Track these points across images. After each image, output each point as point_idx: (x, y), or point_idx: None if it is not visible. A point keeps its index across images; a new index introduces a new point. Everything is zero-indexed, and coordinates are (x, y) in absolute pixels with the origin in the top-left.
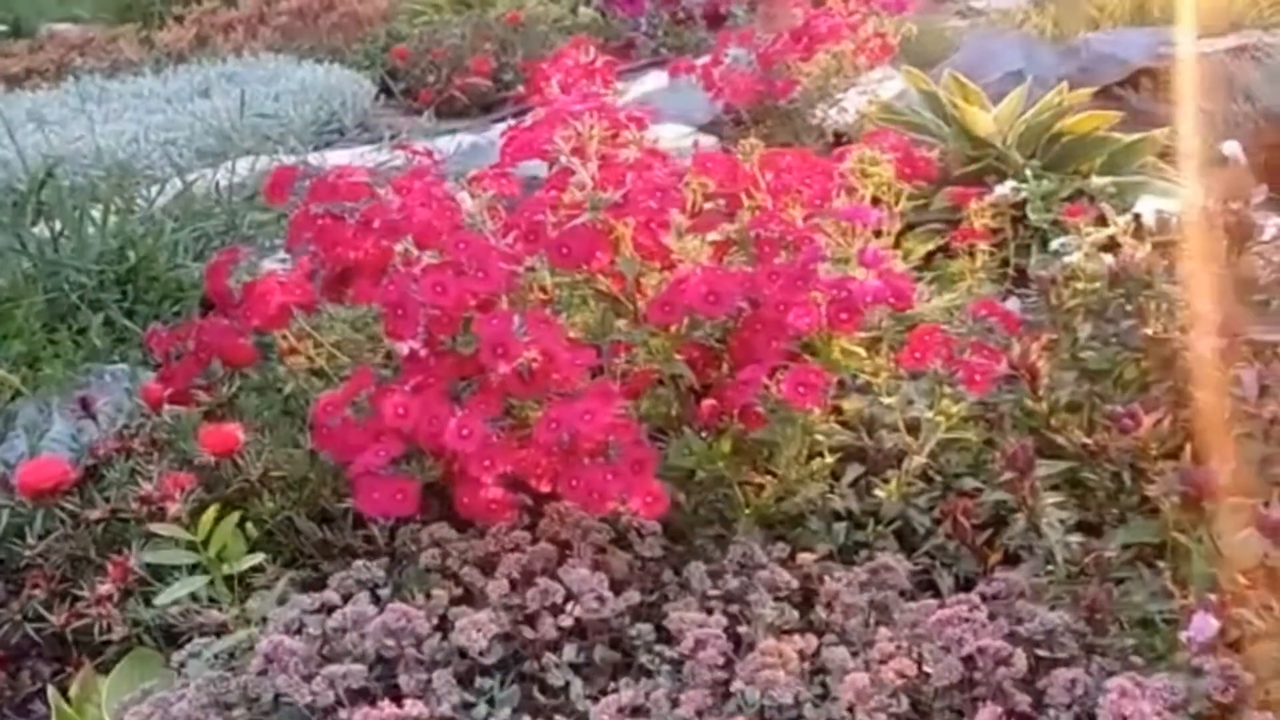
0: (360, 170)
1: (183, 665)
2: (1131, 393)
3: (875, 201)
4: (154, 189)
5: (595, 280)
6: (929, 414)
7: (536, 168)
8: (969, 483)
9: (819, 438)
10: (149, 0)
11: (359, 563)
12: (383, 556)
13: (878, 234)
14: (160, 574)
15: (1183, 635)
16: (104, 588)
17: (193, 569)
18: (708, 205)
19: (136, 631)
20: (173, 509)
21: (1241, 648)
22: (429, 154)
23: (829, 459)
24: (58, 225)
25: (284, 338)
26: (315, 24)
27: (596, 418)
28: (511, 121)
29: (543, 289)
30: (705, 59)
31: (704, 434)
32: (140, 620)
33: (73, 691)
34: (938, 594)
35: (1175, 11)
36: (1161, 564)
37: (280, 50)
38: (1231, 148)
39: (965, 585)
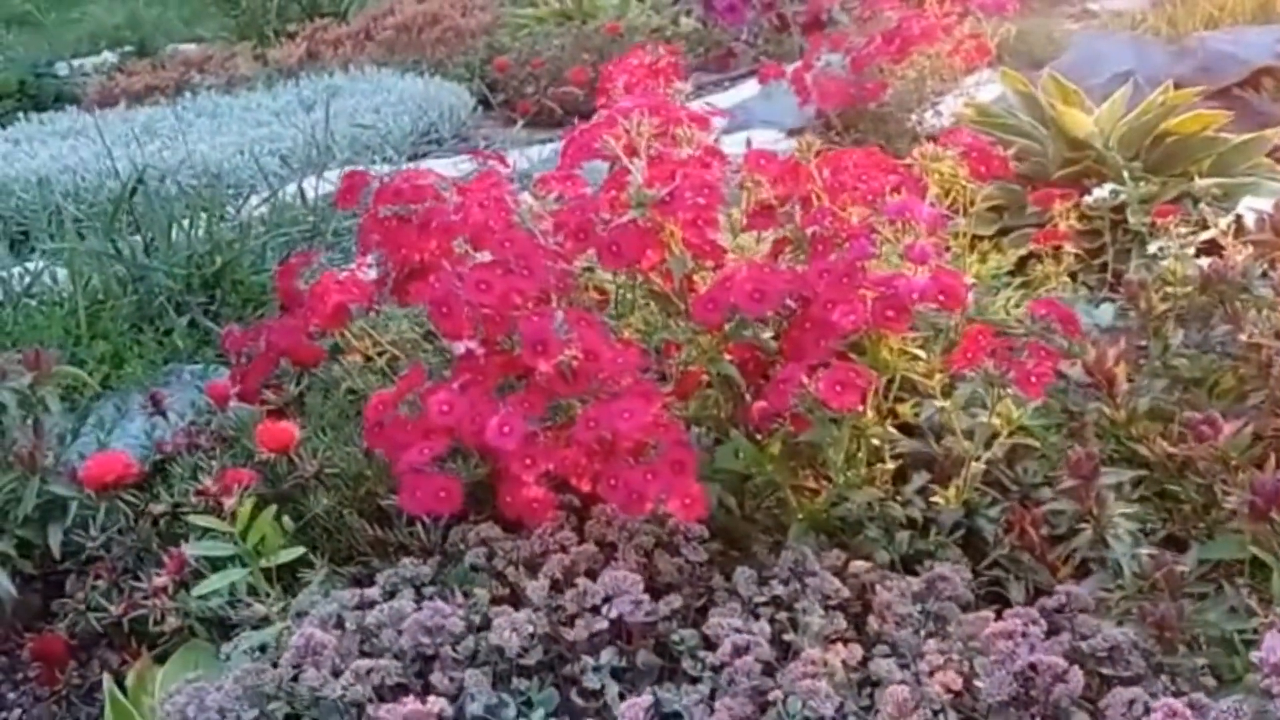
0: (428, 173)
1: (228, 657)
2: (1228, 402)
3: (952, 203)
4: (250, 197)
5: (650, 279)
6: (984, 418)
7: (604, 169)
8: (1046, 492)
9: (874, 441)
10: (266, 19)
11: (406, 560)
12: (435, 555)
13: (956, 235)
14: (218, 567)
15: (1253, 656)
16: (160, 579)
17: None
18: (781, 205)
19: (190, 623)
20: (229, 503)
21: None
22: (501, 159)
23: (889, 464)
24: (150, 232)
25: (342, 336)
26: (419, 38)
27: (636, 417)
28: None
29: (599, 289)
30: (797, 64)
31: (756, 436)
32: (193, 612)
33: (129, 681)
34: (1008, 605)
35: None
36: (1240, 580)
37: (384, 64)
38: None
39: (1037, 597)
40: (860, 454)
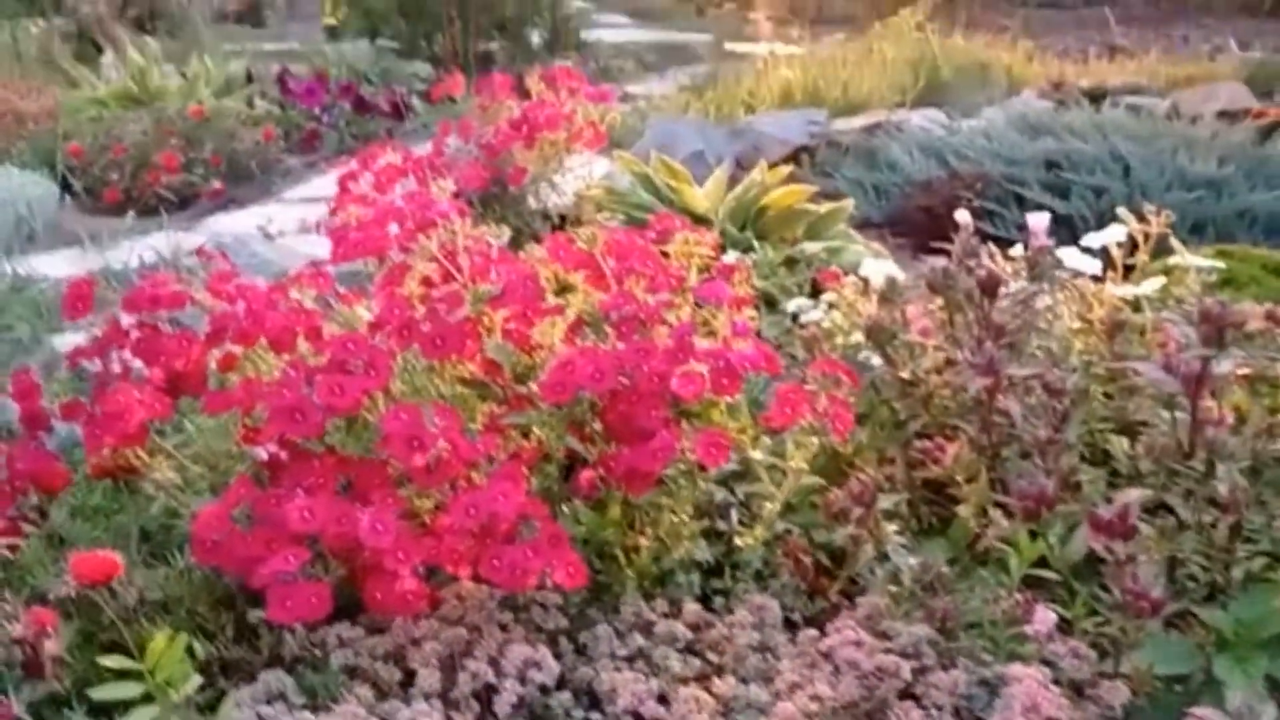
0: (169, 277)
1: None
2: (888, 430)
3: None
4: None
5: (461, 367)
6: (792, 463)
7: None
8: (780, 524)
9: (704, 495)
10: None
11: (265, 675)
12: (275, 666)
13: (698, 305)
14: (42, 714)
15: (1027, 629)
16: None
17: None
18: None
19: None
20: (50, 647)
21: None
22: (224, 255)
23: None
24: None
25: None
26: None
27: (511, 499)
28: (224, 214)
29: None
30: (427, 148)
31: (587, 504)
32: None
33: None
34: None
35: (815, 97)
36: (984, 571)
37: None
38: (963, 216)
39: (808, 619)
40: (686, 508)
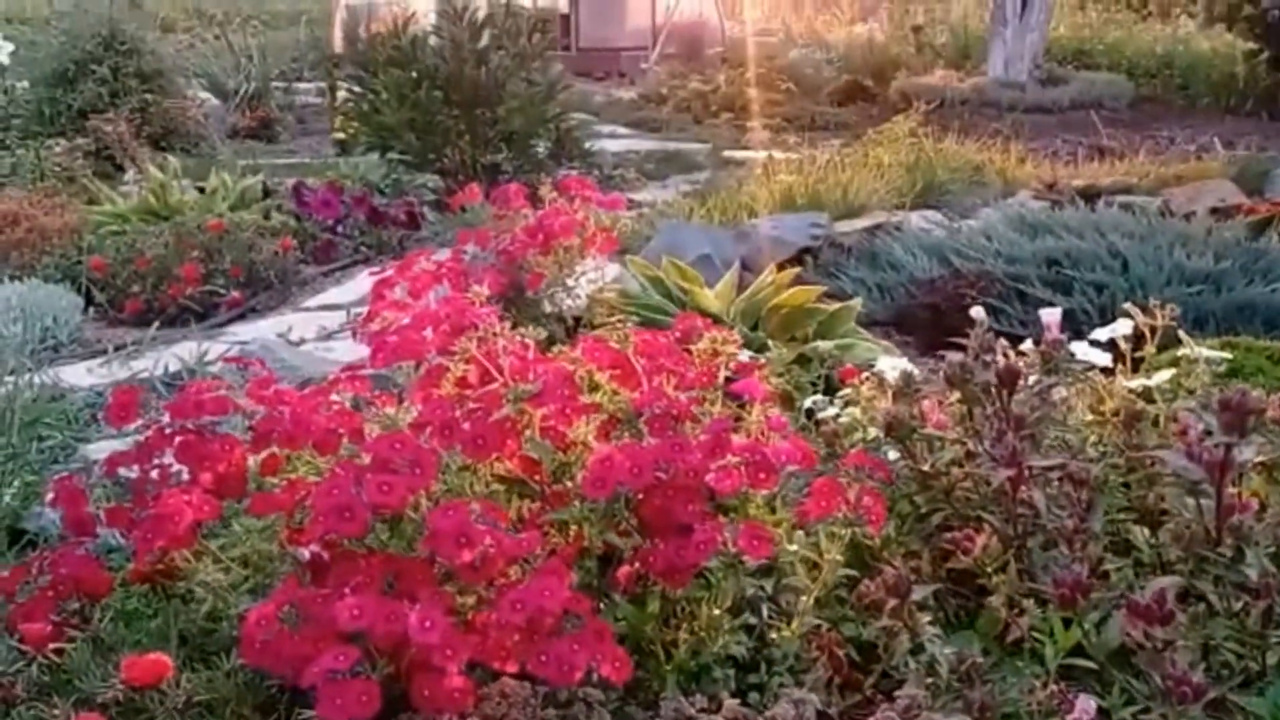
0: (209, 384)
1: None
2: (910, 523)
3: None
4: None
5: (499, 464)
6: (826, 557)
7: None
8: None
9: (745, 589)
10: None
11: None
12: None
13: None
14: None
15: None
16: None
17: None
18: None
19: None
20: None
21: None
22: (261, 363)
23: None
24: None
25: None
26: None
27: (556, 594)
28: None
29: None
30: (442, 255)
31: (624, 599)
32: None
33: None
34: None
35: (816, 200)
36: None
37: None
38: (978, 312)
39: (842, 714)
40: (726, 601)
